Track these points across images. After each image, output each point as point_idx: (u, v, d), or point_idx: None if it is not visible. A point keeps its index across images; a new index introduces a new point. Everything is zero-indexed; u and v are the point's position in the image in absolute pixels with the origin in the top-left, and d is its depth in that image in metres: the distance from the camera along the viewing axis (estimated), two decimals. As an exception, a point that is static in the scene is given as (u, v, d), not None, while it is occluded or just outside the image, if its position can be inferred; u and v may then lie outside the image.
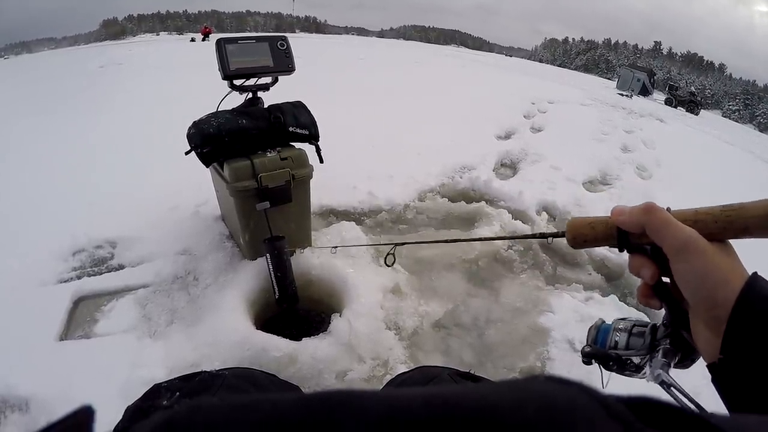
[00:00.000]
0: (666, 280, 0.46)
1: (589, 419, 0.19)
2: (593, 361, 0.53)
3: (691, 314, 0.43)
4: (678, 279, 0.42)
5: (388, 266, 1.11)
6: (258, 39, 2.02)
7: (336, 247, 1.66)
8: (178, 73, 9.12)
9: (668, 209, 0.44)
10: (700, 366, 0.45)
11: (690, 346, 0.45)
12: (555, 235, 0.60)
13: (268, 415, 0.19)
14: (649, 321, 0.52)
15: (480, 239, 1.03)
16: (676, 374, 0.46)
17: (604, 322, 0.57)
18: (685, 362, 0.47)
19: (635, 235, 0.45)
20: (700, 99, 25.02)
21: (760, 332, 0.36)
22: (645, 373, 0.49)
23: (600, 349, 0.54)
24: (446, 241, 1.02)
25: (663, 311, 0.48)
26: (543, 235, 0.65)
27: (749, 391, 0.35)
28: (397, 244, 1.10)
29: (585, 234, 0.50)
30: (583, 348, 0.55)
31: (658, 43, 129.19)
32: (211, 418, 0.19)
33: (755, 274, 0.40)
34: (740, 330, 0.36)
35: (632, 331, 0.52)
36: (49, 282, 2.22)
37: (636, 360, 0.50)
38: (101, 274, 2.32)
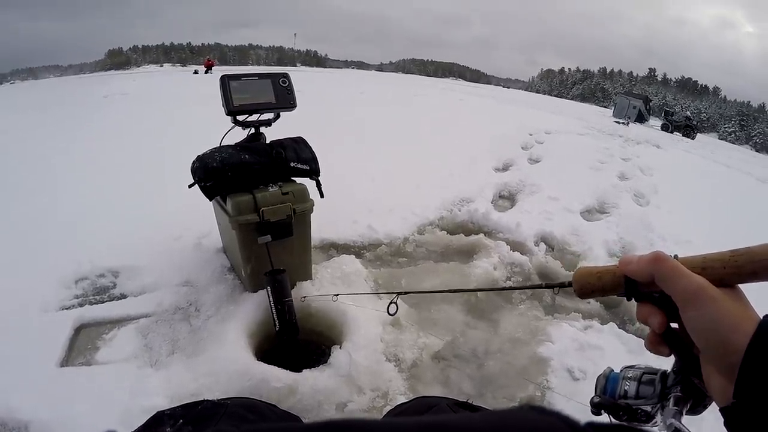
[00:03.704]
0: (674, 325, 0.45)
1: None
2: (602, 411, 0.52)
3: (703, 361, 0.42)
4: (689, 327, 0.42)
5: (391, 315, 1.10)
6: (261, 76, 2.09)
7: (337, 294, 1.68)
8: (182, 105, 9.28)
9: (676, 257, 0.44)
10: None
11: (701, 393, 0.45)
12: (562, 286, 0.60)
13: None
14: (658, 369, 0.52)
15: (488, 289, 1.04)
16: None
17: (612, 370, 0.56)
18: (697, 409, 0.46)
19: (643, 284, 0.45)
20: (695, 123, 25.30)
21: None
22: (656, 422, 0.48)
23: (609, 399, 0.53)
24: (450, 291, 1.04)
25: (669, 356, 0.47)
26: (549, 286, 0.65)
27: None
28: (400, 294, 1.10)
29: (592, 284, 0.50)
30: (592, 398, 0.54)
31: (652, 70, 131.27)
32: None
33: (767, 316, 0.39)
34: (753, 373, 0.36)
35: (642, 379, 0.51)
36: (51, 308, 2.24)
37: (647, 409, 0.49)
38: (103, 302, 2.35)
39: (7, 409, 1.62)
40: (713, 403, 0.43)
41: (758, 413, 0.35)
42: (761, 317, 0.39)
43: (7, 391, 1.69)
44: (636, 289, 0.46)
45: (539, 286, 0.72)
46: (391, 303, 1.10)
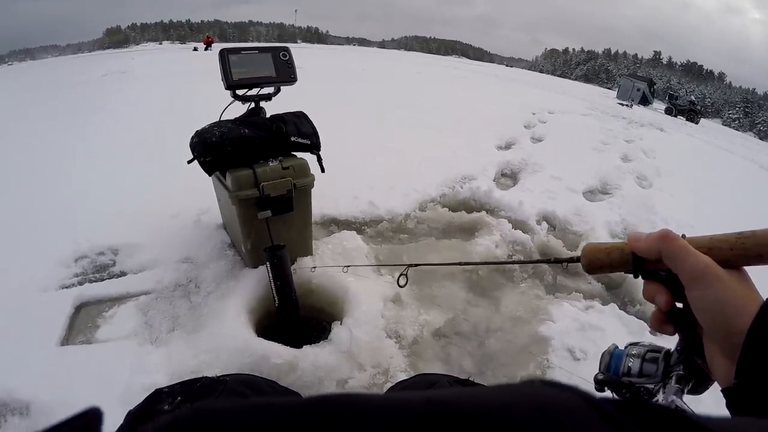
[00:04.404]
0: (679, 305, 0.45)
1: (581, 421, 0.20)
2: (606, 388, 0.53)
3: (706, 341, 0.42)
4: (694, 307, 0.42)
5: (401, 287, 1.09)
6: (261, 50, 2.05)
7: (348, 266, 1.65)
8: (180, 83, 9.19)
9: (683, 236, 0.44)
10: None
11: (703, 373, 0.45)
12: (570, 260, 0.60)
13: (274, 415, 0.20)
14: (662, 347, 0.52)
15: (495, 263, 1.02)
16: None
17: (617, 347, 0.56)
18: (699, 389, 0.47)
19: (650, 262, 0.45)
20: (700, 108, 25.04)
21: None
22: (658, 400, 0.48)
23: (612, 376, 0.53)
24: (461, 264, 1.01)
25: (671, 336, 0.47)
26: (558, 260, 0.64)
27: (763, 416, 0.35)
28: (410, 266, 1.07)
29: (600, 260, 0.49)
30: (595, 375, 0.54)
31: (657, 53, 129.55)
32: (217, 418, 0.19)
33: None
34: (755, 354, 0.36)
35: (645, 357, 0.52)
36: (51, 287, 2.23)
37: (649, 386, 0.50)
38: (103, 280, 2.34)
39: (7, 390, 1.62)
40: (713, 387, 0.45)
41: (760, 394, 0.35)
42: (765, 299, 0.39)
43: (8, 371, 1.69)
44: (643, 266, 0.46)
45: (548, 261, 0.71)
46: (401, 275, 1.08)
